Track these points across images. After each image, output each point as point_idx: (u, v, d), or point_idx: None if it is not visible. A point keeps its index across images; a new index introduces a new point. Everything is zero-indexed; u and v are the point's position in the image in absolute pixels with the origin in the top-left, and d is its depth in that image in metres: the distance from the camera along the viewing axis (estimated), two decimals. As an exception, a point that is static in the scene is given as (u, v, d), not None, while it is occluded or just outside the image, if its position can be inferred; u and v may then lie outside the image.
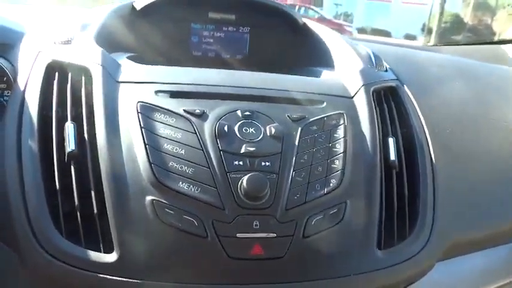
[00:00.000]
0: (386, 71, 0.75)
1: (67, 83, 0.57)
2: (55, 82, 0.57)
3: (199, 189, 0.48)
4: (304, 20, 0.92)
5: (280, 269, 0.49)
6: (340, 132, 0.57)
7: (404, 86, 0.73)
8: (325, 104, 0.60)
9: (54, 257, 0.47)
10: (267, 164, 0.51)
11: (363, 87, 0.65)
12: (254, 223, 0.48)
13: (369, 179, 0.56)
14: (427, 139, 0.66)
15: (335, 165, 0.54)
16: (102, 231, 0.49)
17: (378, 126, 0.61)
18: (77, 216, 0.49)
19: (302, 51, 0.89)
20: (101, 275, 0.46)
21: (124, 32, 0.81)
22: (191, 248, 0.47)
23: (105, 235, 0.49)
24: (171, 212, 0.48)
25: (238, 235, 0.48)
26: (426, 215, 0.58)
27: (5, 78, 0.66)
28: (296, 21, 0.91)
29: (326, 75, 0.74)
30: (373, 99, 0.64)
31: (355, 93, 0.64)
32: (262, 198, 0.49)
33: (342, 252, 0.51)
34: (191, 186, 0.49)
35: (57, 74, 0.58)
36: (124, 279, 0.46)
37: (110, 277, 0.46)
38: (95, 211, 0.49)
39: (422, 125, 0.67)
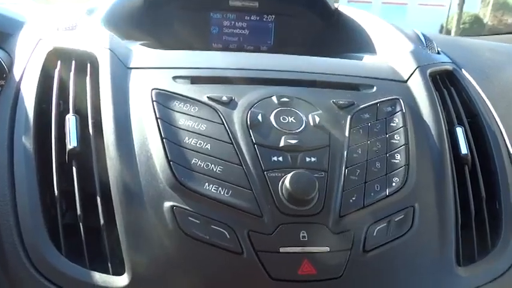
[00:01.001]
0: (438, 53, 0.66)
1: (70, 71, 0.50)
2: (56, 71, 0.50)
3: (230, 191, 0.40)
4: (336, 4, 0.82)
5: None
6: (398, 120, 0.48)
7: (463, 70, 0.62)
8: (375, 88, 0.52)
9: (51, 281, 0.38)
10: (313, 159, 0.42)
11: (417, 69, 0.56)
12: (301, 234, 0.39)
13: (439, 176, 0.46)
14: (500, 129, 0.55)
15: (396, 160, 0.44)
16: (111, 248, 0.40)
17: (442, 114, 0.51)
18: (80, 228, 0.40)
19: (336, 39, 0.80)
20: None
21: (135, 21, 0.73)
22: (222, 267, 0.38)
23: (114, 252, 0.39)
24: (196, 220, 0.38)
25: (281, 250, 0.38)
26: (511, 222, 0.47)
27: (4, 75, 0.58)
28: (327, 6, 0.81)
29: (370, 59, 0.64)
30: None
31: (409, 77, 0.55)
32: (310, 202, 0.40)
33: (414, 270, 0.41)
34: (220, 188, 0.40)
35: (59, 62, 0.51)
36: None
37: None
38: (102, 222, 0.40)
39: (492, 113, 0.56)
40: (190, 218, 0.38)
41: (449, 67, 0.61)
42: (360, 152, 0.44)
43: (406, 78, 0.55)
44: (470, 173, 0.49)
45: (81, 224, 0.40)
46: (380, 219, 0.41)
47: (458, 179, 0.48)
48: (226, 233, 0.38)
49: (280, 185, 0.40)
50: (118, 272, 0.39)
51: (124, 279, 0.38)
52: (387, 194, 0.42)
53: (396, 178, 0.43)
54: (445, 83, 0.59)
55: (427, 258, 0.42)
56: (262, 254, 0.38)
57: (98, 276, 0.38)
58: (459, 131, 0.51)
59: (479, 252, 0.46)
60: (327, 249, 0.39)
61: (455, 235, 0.44)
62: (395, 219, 0.41)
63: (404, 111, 0.48)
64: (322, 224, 0.39)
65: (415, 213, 0.42)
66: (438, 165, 0.46)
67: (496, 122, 0.56)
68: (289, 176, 0.39)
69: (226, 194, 0.39)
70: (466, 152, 0.49)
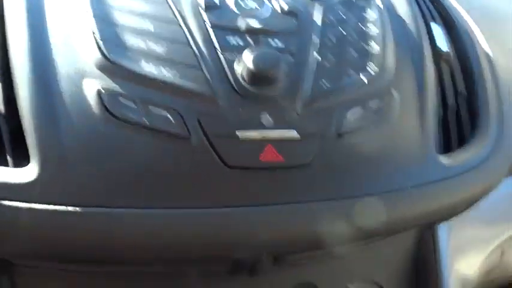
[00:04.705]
0: None
1: None
2: None
3: (174, 70, 0.32)
4: None
5: (306, 182, 0.33)
6: (373, 13, 0.43)
7: None
8: None
9: None
10: (279, 43, 0.36)
11: None
12: (263, 116, 0.32)
13: (419, 67, 0.42)
14: (477, 37, 0.51)
15: (373, 49, 0.39)
16: (11, 128, 0.31)
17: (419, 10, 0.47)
18: None
19: None
20: (10, 203, 0.28)
21: None
22: (164, 154, 0.31)
23: (15, 134, 0.31)
24: (131, 104, 0.31)
25: (239, 134, 0.31)
26: (489, 115, 0.44)
27: None
28: None
29: None
30: None
31: None
32: (274, 82, 0.33)
33: (394, 156, 0.36)
34: (161, 67, 0.32)
35: None
36: (51, 207, 0.28)
37: (26, 206, 0.28)
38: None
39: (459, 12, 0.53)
40: (121, 99, 0.30)
41: None
42: (333, 40, 0.38)
43: None
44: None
45: None
46: (355, 104, 0.35)
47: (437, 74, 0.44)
48: (169, 116, 0.31)
49: (237, 63, 0.33)
50: (21, 163, 0.30)
51: (29, 171, 0.29)
52: (363, 78, 0.37)
53: (371, 63, 0.38)
54: None
55: (406, 144, 0.37)
56: (216, 139, 0.31)
57: None
58: (436, 27, 0.47)
59: (457, 143, 0.43)
60: (294, 132, 0.32)
61: (434, 126, 0.40)
62: (373, 105, 0.36)
63: (378, 4, 0.43)
64: (288, 105, 0.33)
65: (393, 99, 0.37)
66: (418, 57, 0.42)
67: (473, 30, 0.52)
68: (247, 50, 0.32)
69: (169, 72, 0.32)
70: (448, 50, 0.45)
